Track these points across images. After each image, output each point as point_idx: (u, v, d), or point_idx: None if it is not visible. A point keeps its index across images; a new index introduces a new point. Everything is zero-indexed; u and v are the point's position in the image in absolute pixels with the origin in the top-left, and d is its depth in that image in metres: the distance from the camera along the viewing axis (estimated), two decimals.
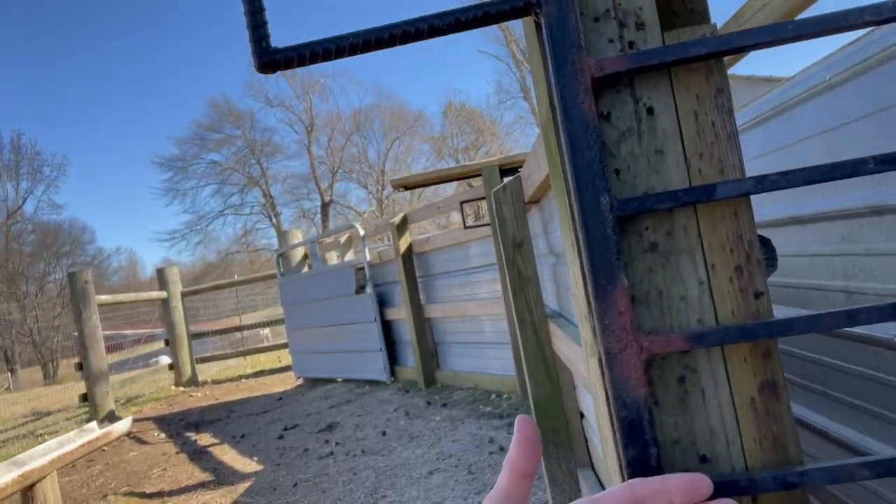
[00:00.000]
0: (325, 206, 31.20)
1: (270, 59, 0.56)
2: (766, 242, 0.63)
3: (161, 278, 9.08)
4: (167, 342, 8.96)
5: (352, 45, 0.56)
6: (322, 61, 0.57)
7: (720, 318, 0.55)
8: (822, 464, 0.52)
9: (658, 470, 0.52)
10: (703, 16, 0.59)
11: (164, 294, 8.89)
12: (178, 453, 4.83)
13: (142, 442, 5.53)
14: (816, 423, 1.61)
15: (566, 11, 0.54)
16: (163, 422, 6.38)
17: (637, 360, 0.53)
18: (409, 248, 5.63)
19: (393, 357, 6.23)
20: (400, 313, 5.90)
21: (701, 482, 0.45)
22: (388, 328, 6.23)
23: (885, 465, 0.50)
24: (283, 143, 33.00)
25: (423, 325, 5.59)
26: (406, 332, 5.82)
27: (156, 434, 5.77)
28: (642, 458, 0.52)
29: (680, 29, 0.57)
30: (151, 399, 8.15)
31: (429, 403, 4.77)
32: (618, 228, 0.53)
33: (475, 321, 4.91)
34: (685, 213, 0.56)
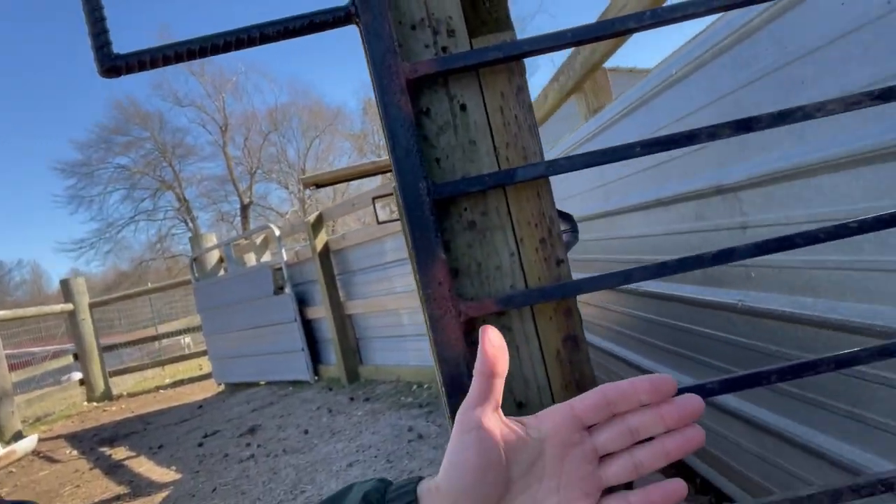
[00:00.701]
0: (244, 209, 30.34)
1: (112, 65, 0.61)
2: (568, 217, 0.73)
3: (66, 290, 8.63)
4: (76, 356, 8.53)
5: (189, 50, 0.61)
6: (163, 66, 0.62)
7: (529, 284, 0.64)
8: None
9: None
10: (506, 23, 0.67)
11: (69, 306, 8.45)
12: (91, 469, 4.65)
13: (52, 460, 5.27)
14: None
15: (381, 21, 0.61)
16: (75, 438, 6.09)
17: (456, 324, 0.61)
18: (326, 246, 5.62)
19: (316, 356, 6.20)
20: (320, 312, 5.88)
21: (666, 382, 0.48)
22: (309, 327, 6.20)
23: None
24: (197, 145, 31.79)
25: (343, 322, 5.60)
26: (327, 330, 5.81)
27: (68, 451, 5.52)
28: None
29: (486, 36, 0.66)
30: (62, 416, 7.75)
31: (352, 399, 4.80)
32: (436, 211, 0.61)
33: (394, 315, 4.98)
34: (497, 195, 0.65)
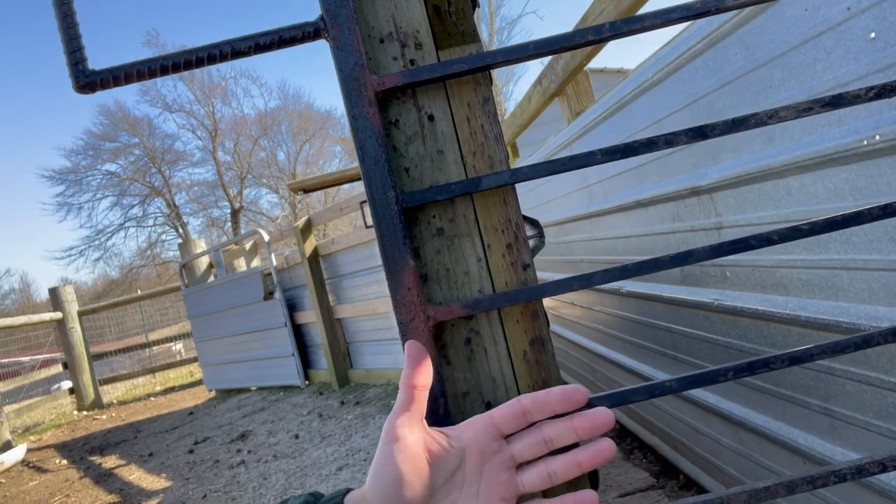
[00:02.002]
0: (235, 214, 30.25)
1: (87, 81, 0.62)
2: (534, 223, 0.75)
3: (55, 298, 8.57)
4: (65, 365, 8.48)
5: (162, 66, 0.63)
6: (137, 81, 0.64)
7: (496, 288, 0.66)
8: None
9: (446, 417, 0.62)
10: (472, 36, 0.69)
11: (58, 315, 8.40)
12: (81, 478, 4.63)
13: (42, 470, 5.24)
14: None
15: (349, 36, 0.63)
16: (65, 448, 6.06)
17: (424, 328, 0.63)
18: (315, 251, 5.62)
19: (306, 361, 6.20)
20: (310, 316, 5.88)
21: (577, 392, 0.52)
22: (299, 332, 6.20)
23: (619, 396, 0.63)
24: (186, 150, 31.52)
25: (333, 326, 5.60)
26: (317, 334, 5.81)
27: (57, 461, 5.49)
28: (433, 408, 0.62)
29: (452, 48, 0.68)
30: (52, 426, 7.70)
31: (342, 403, 4.80)
32: (404, 218, 0.63)
33: (384, 318, 4.98)
34: (464, 203, 0.67)
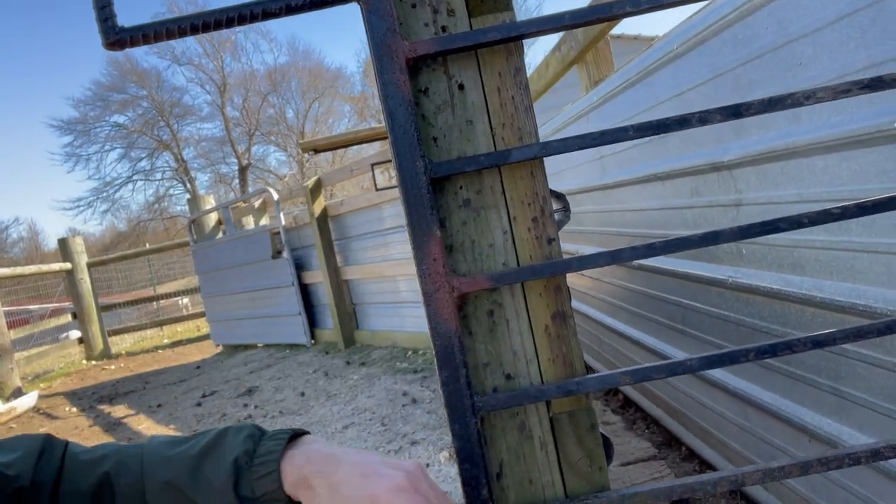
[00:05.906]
0: (242, 171, 30.15)
1: (117, 38, 0.62)
2: (560, 197, 0.74)
3: (64, 249, 8.63)
4: (74, 315, 8.59)
5: (192, 25, 0.62)
6: (166, 40, 0.63)
7: (521, 261, 0.67)
8: (595, 375, 0.65)
9: (468, 387, 0.63)
10: (505, 4, 0.68)
11: (68, 265, 8.48)
12: (91, 426, 4.73)
13: (52, 417, 5.36)
14: (674, 356, 1.81)
15: (383, 0, 0.62)
16: (74, 396, 6.18)
17: (449, 299, 0.63)
18: (325, 212, 5.62)
19: (312, 320, 6.25)
20: (317, 276, 5.91)
21: None
22: (306, 291, 6.24)
23: (641, 373, 0.63)
24: (195, 105, 31.19)
25: (340, 287, 5.63)
26: (324, 294, 5.85)
27: (67, 409, 5.60)
28: (454, 377, 0.63)
29: (485, 16, 0.67)
30: (61, 374, 7.84)
31: (348, 363, 4.87)
32: (432, 188, 0.63)
33: (391, 281, 5.01)
34: (492, 174, 0.66)
